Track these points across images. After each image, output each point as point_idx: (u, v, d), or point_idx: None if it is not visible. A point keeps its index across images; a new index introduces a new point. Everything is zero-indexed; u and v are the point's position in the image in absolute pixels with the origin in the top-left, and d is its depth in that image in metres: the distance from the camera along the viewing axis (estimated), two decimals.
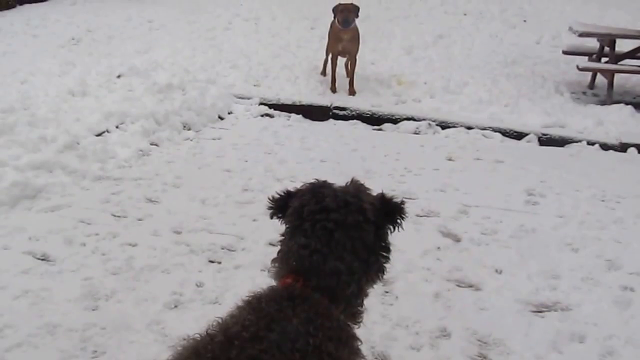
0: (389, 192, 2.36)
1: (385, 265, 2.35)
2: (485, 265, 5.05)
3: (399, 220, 2.34)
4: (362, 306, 2.33)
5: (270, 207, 2.41)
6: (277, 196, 2.41)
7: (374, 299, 4.31)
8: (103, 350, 3.83)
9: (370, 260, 2.27)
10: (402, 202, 2.35)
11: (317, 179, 2.39)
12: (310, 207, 2.24)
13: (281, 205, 2.39)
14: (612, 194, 6.59)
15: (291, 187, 2.43)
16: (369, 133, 8.59)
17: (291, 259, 2.21)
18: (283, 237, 2.34)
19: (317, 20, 13.66)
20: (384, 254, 2.33)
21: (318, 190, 2.30)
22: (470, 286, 4.76)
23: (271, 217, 2.43)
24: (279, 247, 2.36)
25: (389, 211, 2.33)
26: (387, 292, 4.59)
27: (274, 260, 2.35)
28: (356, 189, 2.33)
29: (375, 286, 2.43)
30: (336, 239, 2.17)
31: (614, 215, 6.08)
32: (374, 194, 2.37)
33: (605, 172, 7.29)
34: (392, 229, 2.35)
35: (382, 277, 2.37)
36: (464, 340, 4.10)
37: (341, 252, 2.17)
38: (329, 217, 2.20)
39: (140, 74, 9.44)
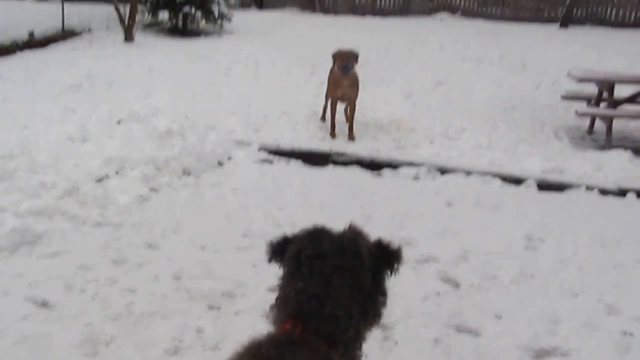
0: (386, 238, 2.38)
1: (382, 309, 2.36)
2: (485, 310, 5.05)
3: (395, 266, 2.35)
4: (360, 350, 2.34)
5: (269, 251, 2.43)
6: (275, 241, 2.43)
7: (373, 344, 4.31)
8: None
9: (368, 305, 2.29)
10: (399, 248, 2.37)
11: (315, 225, 2.41)
12: (307, 252, 2.26)
13: (279, 250, 2.41)
14: (611, 239, 6.60)
15: (290, 232, 2.45)
16: (369, 178, 8.61)
17: (290, 304, 2.23)
18: (281, 282, 2.35)
19: (316, 66, 13.75)
20: (381, 298, 2.35)
21: (315, 235, 2.32)
22: (470, 331, 4.76)
23: (269, 262, 2.45)
24: (277, 292, 2.37)
25: (386, 257, 2.35)
26: (386, 337, 4.58)
27: (272, 306, 2.36)
28: (353, 234, 2.35)
29: (373, 330, 2.44)
30: (334, 284, 2.19)
31: (613, 260, 6.09)
32: (372, 239, 2.39)
33: (605, 217, 7.30)
34: (389, 274, 2.37)
35: (379, 321, 2.39)
36: None
37: (339, 297, 2.19)
38: (326, 262, 2.21)
39: (140, 120, 9.48)
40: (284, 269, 2.37)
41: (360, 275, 2.24)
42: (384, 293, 2.36)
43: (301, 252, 2.28)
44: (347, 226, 2.42)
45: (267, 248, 2.43)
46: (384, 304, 2.36)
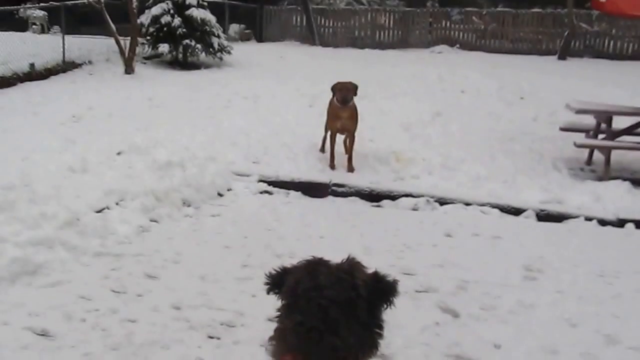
0: (383, 270, 2.40)
1: (379, 341, 2.37)
2: (484, 340, 5.04)
3: (391, 299, 2.37)
4: None
5: (267, 283, 2.44)
6: (274, 272, 2.45)
7: None
8: None
9: (364, 336, 2.29)
10: (395, 281, 2.39)
11: (313, 256, 2.43)
12: (304, 284, 2.27)
13: (277, 282, 2.42)
14: (610, 270, 6.60)
15: (289, 263, 2.47)
16: (368, 209, 8.63)
17: (289, 337, 2.23)
18: (280, 314, 2.36)
19: (315, 98, 13.80)
20: (378, 330, 2.36)
21: (313, 267, 2.33)
22: None
23: (268, 293, 2.46)
24: (275, 325, 2.38)
25: (382, 289, 2.36)
26: None
27: (271, 339, 2.37)
28: (350, 267, 2.36)
29: None
30: (331, 316, 2.20)
31: (612, 291, 6.09)
32: (370, 270, 2.40)
33: (603, 248, 7.31)
34: (385, 307, 2.38)
35: (376, 352, 2.39)
36: None
37: (337, 329, 2.19)
38: (323, 294, 2.22)
39: (140, 151, 9.52)
40: (282, 300, 2.38)
41: (357, 308, 2.25)
42: (380, 325, 2.37)
43: (298, 284, 2.29)
44: (345, 258, 2.43)
45: (265, 280, 2.44)
46: (380, 335, 2.37)
